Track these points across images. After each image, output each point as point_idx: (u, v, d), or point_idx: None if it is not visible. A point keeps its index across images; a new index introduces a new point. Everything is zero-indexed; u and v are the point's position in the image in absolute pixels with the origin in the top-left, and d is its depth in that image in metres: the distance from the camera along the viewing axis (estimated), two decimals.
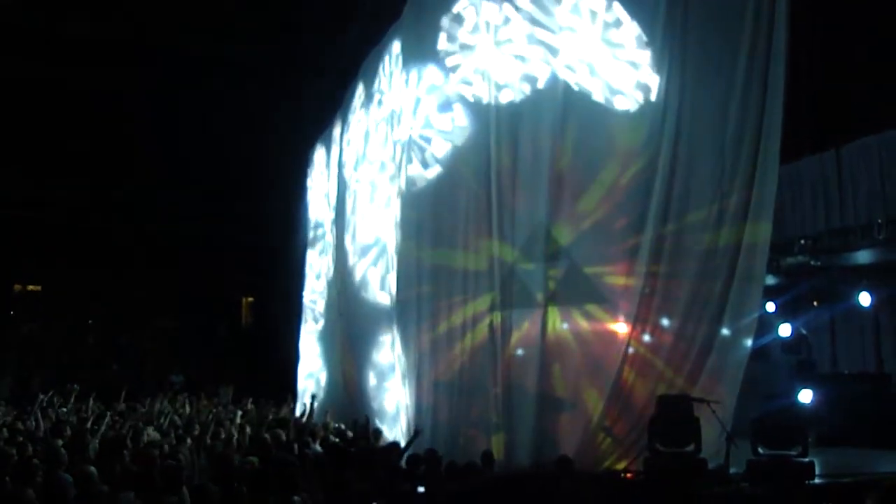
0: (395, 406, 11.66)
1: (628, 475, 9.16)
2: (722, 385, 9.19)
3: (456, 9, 10.90)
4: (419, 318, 10.99)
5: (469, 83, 10.80)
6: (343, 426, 11.94)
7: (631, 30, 10.02)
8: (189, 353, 25.41)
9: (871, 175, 12.88)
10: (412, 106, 11.63)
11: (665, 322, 9.57)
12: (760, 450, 8.74)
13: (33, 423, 10.63)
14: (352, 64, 15.84)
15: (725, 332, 9.26)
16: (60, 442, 8.25)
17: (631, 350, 9.48)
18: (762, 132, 9.11)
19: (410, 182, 11.31)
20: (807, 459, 8.58)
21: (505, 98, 10.42)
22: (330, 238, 17.28)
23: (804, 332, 13.76)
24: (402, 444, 9.51)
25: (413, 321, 11.12)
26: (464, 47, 10.86)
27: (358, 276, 14.62)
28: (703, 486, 8.36)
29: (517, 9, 10.40)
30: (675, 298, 9.47)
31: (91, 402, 12.65)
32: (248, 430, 10.36)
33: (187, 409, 13.78)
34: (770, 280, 11.94)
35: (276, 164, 22.22)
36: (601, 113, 10.01)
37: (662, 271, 9.51)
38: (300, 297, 20.51)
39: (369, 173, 14.20)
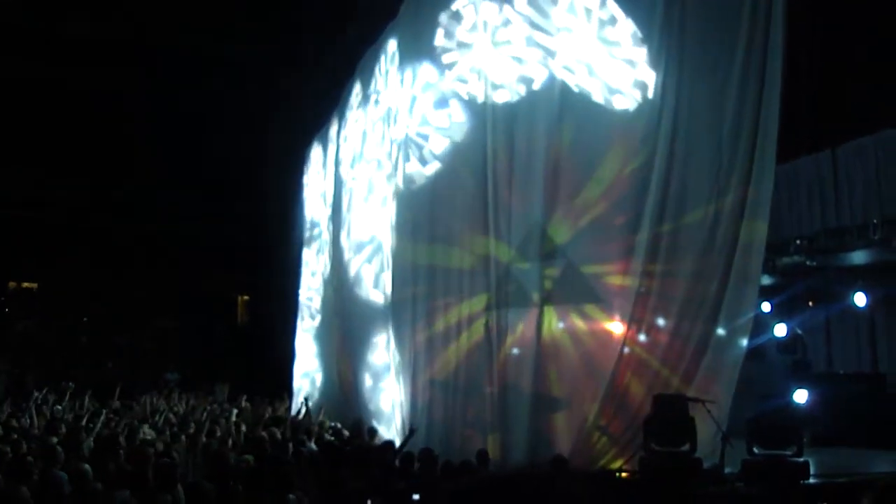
0: (390, 405, 11.66)
1: (623, 474, 9.16)
2: (717, 385, 9.19)
3: (455, 6, 10.88)
4: (414, 317, 10.98)
5: (464, 81, 10.79)
6: (339, 425, 11.93)
7: (626, 27, 10.02)
8: (184, 351, 25.39)
9: (866, 175, 12.90)
10: (408, 104, 11.62)
11: (661, 321, 9.56)
12: (755, 449, 8.75)
13: (28, 421, 10.62)
14: (349, 62, 15.83)
15: (721, 331, 9.26)
16: (55, 440, 8.24)
17: (626, 349, 9.48)
18: (759, 131, 9.10)
19: (409, 180, 11.29)
20: (802, 459, 8.60)
21: (500, 98, 10.40)
22: (326, 236, 17.26)
23: (800, 332, 13.77)
24: (397, 442, 9.52)
25: (408, 320, 11.11)
26: (461, 45, 10.85)
27: (352, 273, 14.61)
28: (698, 486, 8.37)
29: (517, 11, 10.37)
30: (671, 298, 9.47)
31: (87, 400, 12.64)
32: (243, 428, 10.35)
33: (182, 407, 13.76)
34: (766, 280, 11.96)
35: (273, 162, 22.22)
36: (597, 112, 10.00)
37: (658, 271, 9.50)
38: (296, 295, 20.48)
39: (366, 172, 14.18)
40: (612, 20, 10.07)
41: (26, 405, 12.18)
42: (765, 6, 9.13)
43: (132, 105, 23.94)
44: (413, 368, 10.99)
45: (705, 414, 8.74)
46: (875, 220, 12.24)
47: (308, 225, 19.84)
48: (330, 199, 16.81)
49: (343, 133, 16.05)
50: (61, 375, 17.79)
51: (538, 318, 9.87)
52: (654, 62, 9.73)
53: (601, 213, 9.88)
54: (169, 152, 24.15)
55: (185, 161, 23.89)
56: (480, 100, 10.57)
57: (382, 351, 12.53)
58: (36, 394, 12.37)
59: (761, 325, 12.03)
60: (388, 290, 12.35)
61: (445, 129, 10.94)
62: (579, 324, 9.90)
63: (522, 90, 10.29)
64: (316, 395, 16.27)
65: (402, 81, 11.96)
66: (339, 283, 15.55)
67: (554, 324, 9.93)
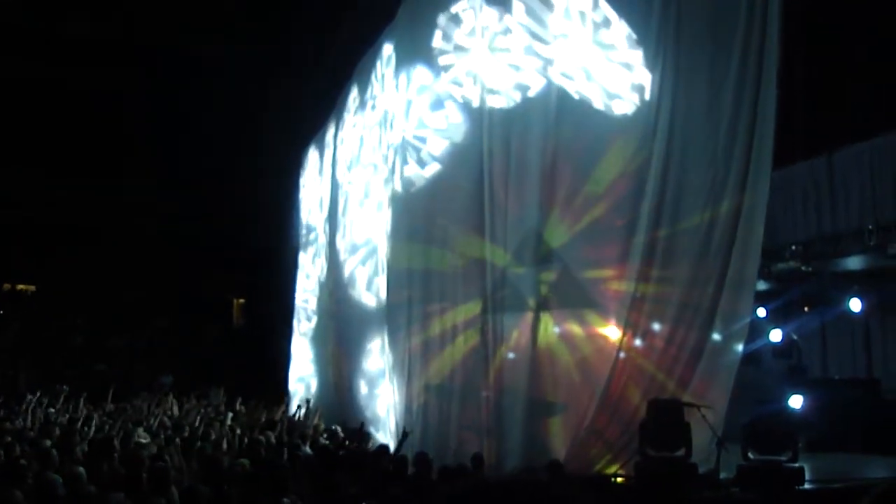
0: (385, 411, 11.64)
1: (619, 479, 9.16)
2: (713, 390, 9.19)
3: (454, 9, 10.89)
4: (410, 321, 10.98)
5: (460, 84, 10.81)
6: (338, 428, 11.88)
7: (620, 29, 10.01)
8: (179, 355, 25.31)
9: (862, 181, 12.93)
10: (404, 108, 11.63)
11: (656, 326, 9.56)
12: (751, 455, 8.75)
13: (21, 423, 10.58)
14: (346, 65, 15.84)
15: (717, 337, 9.27)
16: (49, 443, 8.21)
17: (622, 354, 9.47)
18: (755, 136, 9.10)
19: (408, 182, 11.29)
20: (797, 465, 8.60)
21: (494, 103, 10.42)
22: (322, 240, 17.26)
23: (795, 337, 13.78)
24: (391, 446, 9.50)
25: (403, 324, 11.12)
26: (458, 48, 10.87)
27: (346, 274, 14.63)
28: (693, 491, 8.36)
29: (517, 21, 10.37)
30: (667, 303, 9.47)
31: (81, 402, 12.59)
32: (238, 431, 10.33)
33: (175, 410, 13.72)
34: (761, 285, 11.96)
35: (269, 165, 22.19)
36: (593, 116, 10.01)
37: (654, 275, 9.50)
38: (292, 298, 20.46)
39: (362, 176, 14.20)
40: (606, 22, 10.07)
41: (19, 408, 12.14)
42: (760, 11, 9.14)
43: (129, 106, 23.91)
44: (408, 372, 10.98)
45: (701, 419, 8.73)
46: (870, 226, 12.27)
47: (304, 230, 19.84)
48: (326, 203, 16.81)
49: (340, 137, 16.06)
50: (55, 378, 17.71)
51: (534, 323, 9.87)
52: (651, 65, 9.74)
53: (597, 217, 9.89)
54: (165, 154, 24.13)
55: (180, 163, 23.87)
56: (475, 104, 10.59)
57: (377, 357, 12.53)
58: (29, 396, 12.30)
59: (757, 330, 12.03)
60: (382, 293, 12.36)
61: (443, 131, 10.96)
62: (575, 328, 9.90)
63: (518, 97, 10.31)
64: (311, 400, 16.23)
65: (397, 86, 11.99)
66: (334, 286, 15.56)
67: (550, 328, 9.93)
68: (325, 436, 11.18)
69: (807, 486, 8.59)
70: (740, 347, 9.30)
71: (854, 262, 12.67)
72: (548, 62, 10.15)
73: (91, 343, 25.12)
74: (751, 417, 9.25)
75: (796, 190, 14.08)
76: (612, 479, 9.19)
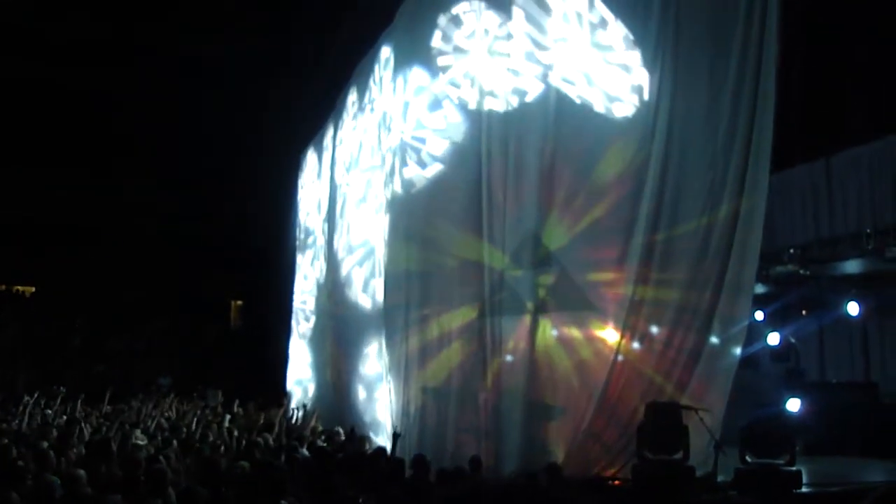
0: (383, 413, 11.65)
1: (616, 482, 9.15)
2: (711, 393, 9.19)
3: (456, 10, 10.89)
4: (407, 323, 10.98)
5: (457, 86, 10.82)
6: (340, 429, 11.87)
7: (617, 30, 10.01)
8: (177, 356, 25.30)
9: (860, 185, 12.96)
10: (401, 110, 11.64)
11: (654, 329, 9.56)
12: (748, 458, 8.75)
13: (17, 424, 10.57)
14: (344, 68, 15.85)
15: (715, 340, 9.26)
16: (46, 444, 8.20)
17: (620, 357, 9.47)
18: (753, 138, 9.08)
19: (408, 184, 11.29)
20: (794, 468, 8.60)
21: (491, 105, 10.43)
22: (321, 242, 17.26)
23: (793, 340, 13.79)
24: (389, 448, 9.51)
25: (401, 326, 11.12)
26: (457, 49, 10.88)
27: (344, 276, 14.64)
28: (690, 494, 8.36)
29: (517, 26, 10.37)
30: (665, 306, 9.46)
31: (78, 404, 12.58)
32: (235, 433, 10.32)
33: (173, 412, 13.72)
34: (759, 289, 11.96)
35: (268, 167, 22.20)
36: (592, 119, 10.01)
37: (652, 279, 9.50)
38: (290, 300, 20.47)
39: (361, 178, 14.21)
40: (603, 23, 10.07)
41: (16, 409, 12.13)
42: (759, 14, 9.14)
43: (128, 107, 23.91)
44: (405, 375, 10.98)
45: (698, 422, 8.73)
46: (868, 230, 12.29)
47: (302, 232, 19.84)
48: (325, 205, 16.82)
49: (338, 139, 16.07)
50: (53, 379, 17.70)
51: (532, 326, 9.86)
52: (650, 67, 9.73)
53: (596, 220, 9.88)
54: (163, 154, 24.14)
55: (179, 164, 23.88)
56: (472, 106, 10.60)
57: (375, 361, 12.54)
58: (27, 398, 12.29)
59: (754, 333, 12.04)
60: (379, 296, 12.37)
61: (443, 131, 10.97)
62: (573, 331, 9.89)
63: (515, 101, 10.32)
64: (309, 402, 16.23)
65: (394, 89, 12.00)
66: (332, 287, 15.56)
67: (548, 331, 9.92)
68: (322, 438, 11.18)
69: (804, 489, 8.59)
70: (738, 351, 9.28)
71: (852, 266, 12.68)
72: (548, 68, 10.16)
73: (89, 344, 25.11)
74: (748, 421, 9.24)
75: (795, 193, 14.11)
76: (610, 482, 9.18)
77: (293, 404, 16.37)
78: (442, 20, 10.99)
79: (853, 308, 13.11)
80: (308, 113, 19.48)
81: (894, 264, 11.66)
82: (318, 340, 17.52)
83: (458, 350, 10.41)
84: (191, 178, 23.89)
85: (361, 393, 13.24)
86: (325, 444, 10.17)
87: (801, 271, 12.82)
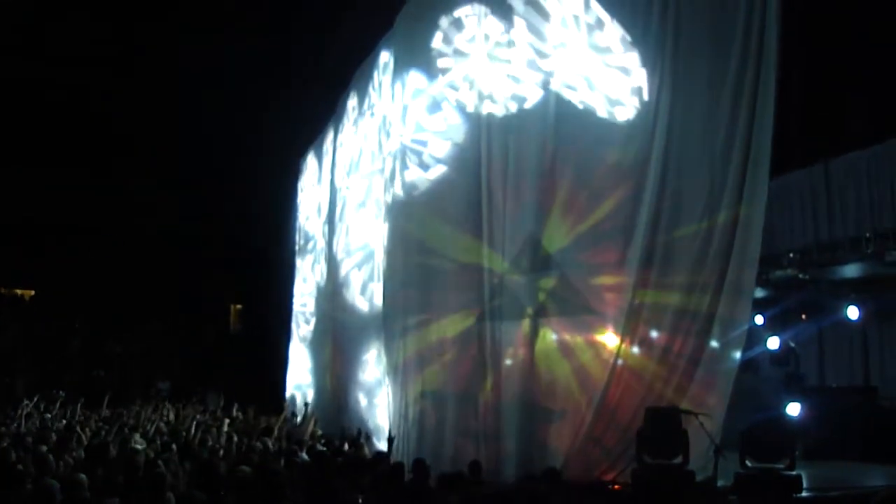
0: (383, 418, 11.64)
1: (616, 487, 9.14)
2: (711, 397, 9.17)
3: (458, 13, 10.90)
4: (407, 328, 10.98)
5: (455, 88, 10.83)
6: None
7: (614, 31, 10.01)
8: (176, 360, 25.29)
9: (858, 189, 12.97)
10: (400, 115, 11.65)
11: (654, 334, 9.55)
12: (748, 462, 8.73)
13: (15, 428, 10.56)
14: (344, 72, 15.87)
15: (714, 344, 9.25)
16: (45, 448, 8.19)
17: (620, 362, 9.47)
18: (752, 143, 9.06)
19: (410, 187, 11.27)
20: (794, 473, 8.58)
21: (488, 109, 10.44)
22: (321, 245, 17.26)
23: (792, 345, 13.78)
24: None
25: (400, 330, 11.11)
26: (457, 53, 10.89)
27: (343, 280, 14.64)
28: (690, 499, 8.34)
29: (519, 34, 10.38)
30: (665, 310, 9.46)
31: (78, 408, 12.57)
32: (234, 437, 10.31)
33: (172, 416, 13.70)
34: (759, 293, 11.96)
35: (267, 170, 22.18)
36: (591, 123, 10.01)
37: (652, 283, 9.49)
38: (289, 303, 20.46)
39: (361, 182, 14.22)
40: (599, 23, 10.08)
41: (15, 413, 12.12)
42: (759, 19, 9.14)
43: (125, 110, 23.90)
44: (404, 379, 10.98)
45: (698, 426, 8.72)
46: (867, 234, 12.30)
47: (302, 237, 19.84)
48: (325, 209, 16.83)
49: (338, 143, 16.08)
50: (53, 383, 17.69)
51: (532, 330, 9.86)
52: (648, 69, 9.73)
53: (595, 224, 9.89)
54: (163, 157, 24.15)
55: (179, 167, 23.90)
56: (469, 109, 10.62)
57: (374, 367, 12.53)
58: (25, 401, 12.29)
59: (754, 337, 12.03)
60: (376, 300, 12.37)
61: (443, 132, 10.97)
62: (573, 336, 9.89)
63: (514, 107, 10.33)
64: (308, 406, 16.21)
65: (393, 95, 12.02)
66: (332, 291, 15.57)
67: (547, 336, 9.92)
68: (322, 441, 11.17)
69: (804, 494, 8.57)
70: (738, 355, 9.27)
71: (851, 270, 12.69)
72: (549, 75, 10.17)
73: (88, 348, 25.10)
74: (748, 425, 9.22)
75: (794, 198, 14.11)
76: (610, 487, 9.16)
77: (293, 408, 16.36)
78: (444, 22, 11.00)
79: (853, 312, 13.11)
80: (308, 117, 19.48)
81: (893, 268, 11.68)
82: (318, 344, 17.51)
83: (458, 354, 10.40)
84: (190, 180, 23.87)
85: (361, 398, 13.22)
86: (324, 449, 10.16)
87: (801, 275, 12.82)
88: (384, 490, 7.28)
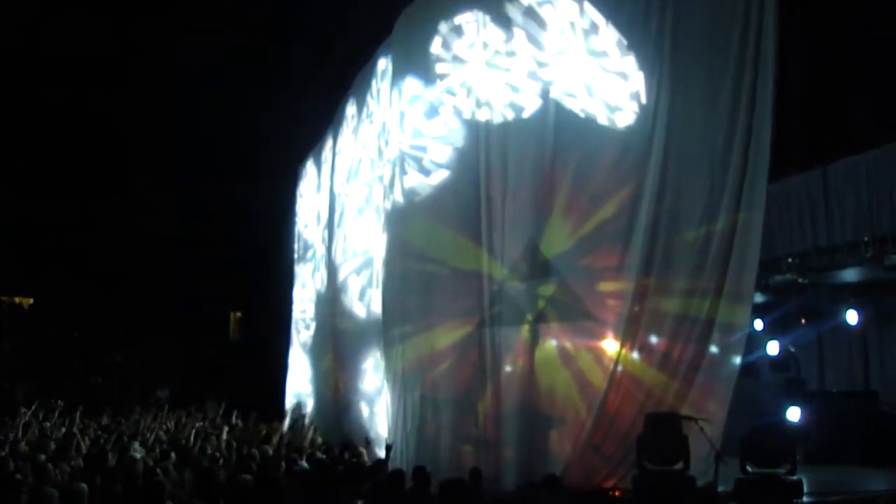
0: (383, 425, 11.62)
1: (616, 493, 9.12)
2: (711, 403, 9.16)
3: (458, 20, 10.90)
4: (406, 334, 10.97)
5: (453, 94, 10.84)
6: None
7: (609, 34, 10.01)
8: (175, 368, 25.26)
9: (857, 193, 12.98)
10: (398, 121, 11.66)
11: (654, 340, 9.53)
12: (749, 468, 8.71)
13: (13, 436, 10.54)
14: (345, 76, 15.89)
15: (714, 349, 9.23)
16: (43, 457, 8.17)
17: (619, 367, 9.45)
18: (751, 147, 9.03)
19: (410, 193, 11.26)
20: (795, 478, 8.57)
21: (486, 116, 10.45)
22: (321, 252, 17.25)
23: (792, 349, 13.78)
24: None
25: (399, 337, 11.10)
26: (456, 59, 10.90)
27: (342, 287, 14.64)
28: None
29: (519, 44, 10.39)
30: (664, 316, 9.44)
31: (77, 416, 12.54)
32: (234, 445, 10.29)
33: (171, 424, 13.67)
34: (758, 298, 11.95)
35: (266, 178, 22.19)
36: (590, 129, 10.02)
37: (651, 288, 9.48)
38: (289, 310, 20.45)
39: (360, 190, 14.23)
40: (594, 27, 10.08)
41: (13, 423, 12.08)
42: (756, 23, 9.14)
43: (125, 121, 23.94)
44: (403, 386, 10.96)
45: (699, 432, 8.69)
46: (866, 238, 12.29)
47: (301, 245, 19.84)
48: (325, 216, 16.83)
49: (337, 151, 16.09)
50: (51, 391, 17.64)
51: (531, 336, 9.85)
52: (646, 77, 9.74)
53: (594, 230, 9.89)
54: (162, 164, 24.16)
55: (177, 171, 23.92)
56: (466, 115, 10.63)
57: (373, 375, 12.52)
58: (24, 410, 12.26)
59: (754, 342, 12.04)
60: (374, 306, 12.38)
61: (443, 137, 10.97)
62: (572, 342, 9.88)
63: (512, 115, 10.34)
64: (308, 414, 16.20)
65: (390, 101, 12.03)
66: (332, 296, 15.56)
67: (547, 342, 9.91)
68: (323, 449, 11.15)
69: (805, 499, 8.56)
70: (738, 360, 9.24)
71: (850, 275, 12.68)
72: (548, 83, 10.17)
73: (87, 356, 25.07)
74: (749, 430, 9.21)
75: (792, 202, 14.12)
76: (610, 493, 9.15)
77: (292, 416, 16.32)
78: (443, 27, 11.01)
79: (852, 316, 13.11)
80: (308, 118, 19.48)
81: (892, 272, 11.68)
82: (317, 350, 17.49)
83: (457, 361, 10.39)
84: (190, 183, 23.85)
85: (361, 406, 13.20)
86: (324, 457, 10.14)
87: (800, 280, 12.82)
88: (384, 497, 7.27)
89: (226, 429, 12.33)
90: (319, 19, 19.95)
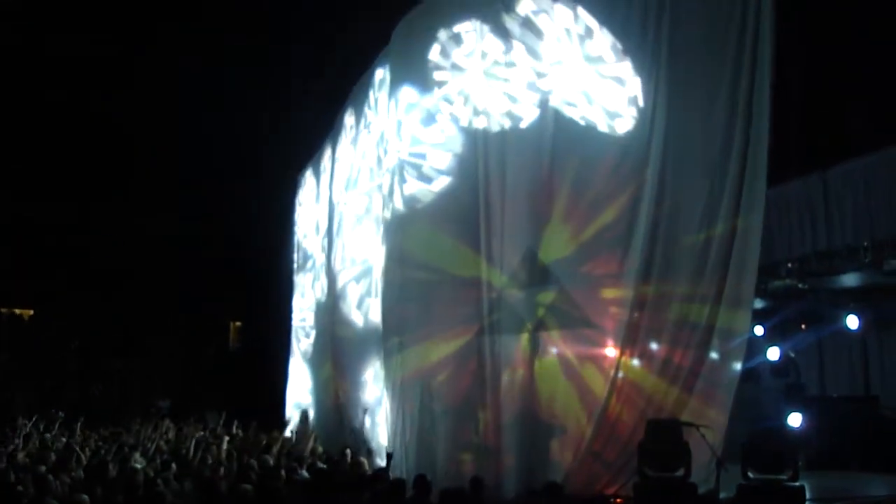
0: (383, 434, 11.61)
1: (618, 500, 9.10)
2: (712, 409, 9.15)
3: (457, 28, 10.92)
4: (405, 342, 10.96)
5: (450, 102, 10.86)
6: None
7: (603, 40, 10.03)
8: (176, 378, 25.22)
9: (856, 198, 12.99)
10: (395, 130, 11.68)
11: (654, 346, 9.54)
12: (750, 474, 8.70)
13: (13, 448, 10.52)
14: (343, 86, 15.91)
15: (714, 355, 9.23)
16: (44, 468, 8.16)
17: (620, 374, 9.45)
18: (749, 154, 9.07)
19: (412, 200, 11.26)
20: (797, 483, 8.55)
21: (483, 124, 10.46)
22: (321, 261, 17.25)
23: (792, 355, 13.77)
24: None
25: (398, 345, 11.09)
26: (455, 67, 10.91)
27: (341, 295, 14.64)
28: None
29: (518, 56, 10.41)
30: (664, 322, 9.44)
31: (77, 427, 12.53)
32: (235, 455, 10.27)
33: (171, 434, 13.65)
34: (758, 303, 11.95)
35: (266, 187, 22.19)
36: (589, 136, 10.03)
37: (651, 294, 9.49)
38: (288, 319, 20.43)
39: (359, 199, 14.24)
40: (589, 32, 10.11)
41: (13, 434, 12.07)
42: (752, 28, 9.16)
43: (125, 121, 23.94)
44: (403, 394, 10.95)
45: (700, 438, 8.68)
46: (865, 243, 12.29)
47: (301, 255, 19.84)
48: (324, 226, 16.84)
49: (336, 160, 16.11)
50: (51, 402, 17.64)
51: (531, 344, 9.85)
52: (643, 82, 9.75)
53: (593, 237, 9.89)
54: (160, 167, 24.17)
55: (177, 176, 23.92)
56: (463, 123, 10.65)
57: (373, 384, 12.49)
58: (24, 421, 12.25)
59: (754, 348, 12.02)
60: (372, 315, 12.36)
61: (443, 144, 10.98)
62: (572, 349, 9.87)
63: (509, 123, 10.35)
64: (308, 424, 16.18)
65: (388, 111, 12.04)
66: (332, 304, 15.55)
67: (547, 349, 9.91)
68: (323, 458, 11.12)
69: None
70: (738, 366, 9.24)
71: (850, 280, 12.68)
72: (547, 93, 10.18)
73: (87, 362, 25.02)
74: (750, 436, 9.21)
75: (791, 207, 14.13)
76: (612, 501, 9.13)
77: (292, 426, 16.30)
78: (443, 35, 11.02)
79: (852, 321, 13.10)
80: (301, 140, 19.52)
81: (892, 277, 11.67)
82: (317, 359, 17.47)
83: (457, 369, 10.38)
84: (190, 183, 23.82)
85: (362, 415, 13.17)
86: (324, 466, 10.12)
87: (800, 285, 12.81)
88: None
89: (226, 439, 12.31)
90: (320, 21, 19.99)
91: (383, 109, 12.66)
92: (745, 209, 9.07)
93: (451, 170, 10.92)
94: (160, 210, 24.67)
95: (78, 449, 10.18)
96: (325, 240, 16.58)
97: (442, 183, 11.01)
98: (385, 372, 11.52)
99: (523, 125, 10.27)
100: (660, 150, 9.52)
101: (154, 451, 10.60)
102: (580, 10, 10.13)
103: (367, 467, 10.25)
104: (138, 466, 8.81)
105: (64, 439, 11.78)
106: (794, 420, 12.29)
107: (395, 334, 11.31)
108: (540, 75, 10.28)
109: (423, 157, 11.22)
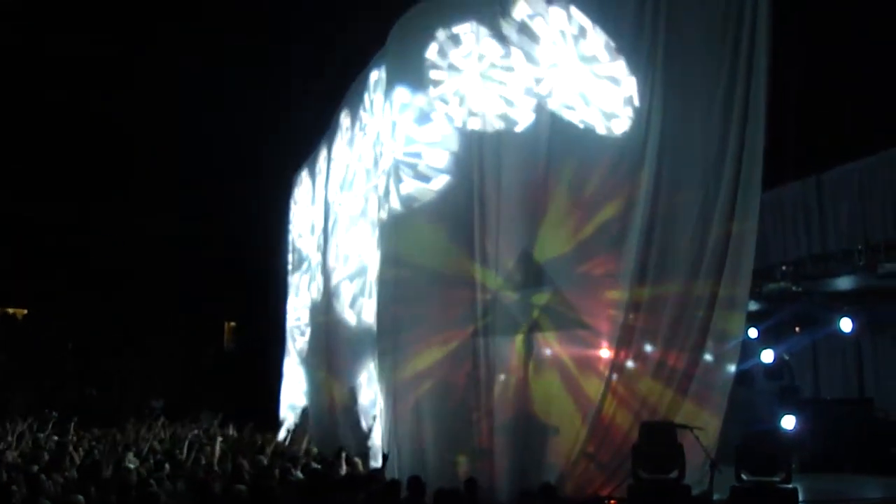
0: (378, 435, 11.60)
1: (612, 502, 9.11)
2: (706, 411, 9.17)
3: (456, 29, 10.92)
4: (399, 344, 10.95)
5: (445, 102, 10.86)
6: (344, 453, 11.79)
7: (596, 38, 10.02)
8: (170, 378, 25.19)
9: (851, 202, 13.03)
10: (390, 131, 11.67)
11: (648, 348, 9.54)
12: (744, 476, 8.70)
13: (5, 447, 10.50)
14: (339, 87, 15.90)
15: (709, 358, 9.24)
16: (37, 468, 8.14)
17: (614, 376, 9.44)
18: (744, 157, 9.07)
19: (409, 199, 11.24)
20: (790, 486, 8.56)
21: (478, 126, 10.46)
22: (316, 260, 17.24)
23: (787, 357, 13.79)
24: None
25: (392, 346, 11.08)
26: (451, 67, 10.91)
27: (335, 295, 14.63)
28: None
29: (516, 61, 10.41)
30: (659, 324, 9.44)
31: (71, 427, 12.49)
32: (229, 456, 10.25)
33: (165, 434, 13.63)
34: (752, 306, 11.98)
35: (261, 188, 22.19)
36: (584, 137, 10.04)
37: (646, 297, 9.49)
38: (283, 319, 20.42)
39: (354, 199, 14.22)
40: (583, 31, 10.11)
41: (5, 433, 12.05)
42: (749, 31, 9.16)
43: (125, 121, 23.92)
44: (397, 395, 10.94)
45: (694, 441, 8.70)
46: (859, 246, 12.34)
47: (296, 255, 19.82)
48: (319, 227, 16.83)
49: (331, 161, 16.10)
50: (46, 402, 17.58)
51: (525, 346, 9.85)
52: (639, 82, 9.76)
53: (588, 239, 9.90)
54: (160, 167, 24.16)
55: (177, 176, 23.92)
56: (457, 124, 10.65)
57: (367, 385, 12.47)
58: (18, 420, 12.22)
59: (748, 351, 12.05)
60: (365, 315, 12.35)
61: (440, 143, 10.97)
62: (567, 351, 9.87)
63: (503, 125, 10.36)
64: (303, 424, 16.16)
65: (383, 111, 12.04)
66: (327, 304, 15.54)
67: (542, 351, 9.90)
68: (318, 459, 11.11)
69: None
70: (732, 368, 9.27)
71: (844, 283, 12.72)
72: (545, 97, 10.18)
73: (82, 366, 24.97)
74: (743, 438, 9.22)
75: (786, 211, 14.18)
76: (605, 502, 9.14)
77: (287, 426, 16.28)
78: (441, 35, 11.00)
79: (846, 324, 13.14)
80: (296, 141, 19.52)
81: (886, 280, 11.71)
82: (312, 359, 17.45)
83: (452, 371, 10.37)
84: (190, 183, 23.82)
85: (357, 416, 13.16)
86: (318, 466, 10.11)
87: (794, 288, 12.85)
88: None
89: (220, 439, 12.29)
90: (319, 21, 20.00)
91: (378, 111, 12.66)
92: (740, 212, 9.08)
93: (447, 168, 10.90)
94: (160, 210, 24.67)
95: (71, 449, 10.16)
96: (321, 239, 16.57)
97: (439, 180, 10.99)
98: (379, 373, 11.52)
99: (518, 129, 10.27)
100: (655, 152, 9.52)
101: (148, 452, 10.58)
102: (573, 9, 10.13)
103: (361, 468, 10.26)
104: (132, 467, 8.80)
105: (56, 438, 11.74)
106: (788, 422, 12.31)
107: (389, 336, 11.30)
108: (537, 80, 10.28)
109: (418, 155, 11.20)
